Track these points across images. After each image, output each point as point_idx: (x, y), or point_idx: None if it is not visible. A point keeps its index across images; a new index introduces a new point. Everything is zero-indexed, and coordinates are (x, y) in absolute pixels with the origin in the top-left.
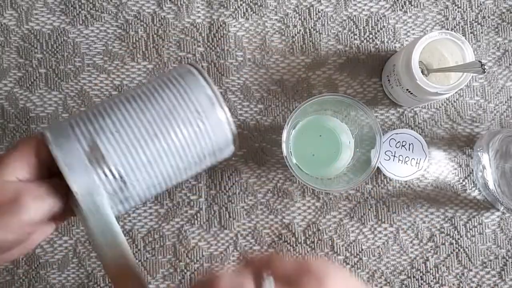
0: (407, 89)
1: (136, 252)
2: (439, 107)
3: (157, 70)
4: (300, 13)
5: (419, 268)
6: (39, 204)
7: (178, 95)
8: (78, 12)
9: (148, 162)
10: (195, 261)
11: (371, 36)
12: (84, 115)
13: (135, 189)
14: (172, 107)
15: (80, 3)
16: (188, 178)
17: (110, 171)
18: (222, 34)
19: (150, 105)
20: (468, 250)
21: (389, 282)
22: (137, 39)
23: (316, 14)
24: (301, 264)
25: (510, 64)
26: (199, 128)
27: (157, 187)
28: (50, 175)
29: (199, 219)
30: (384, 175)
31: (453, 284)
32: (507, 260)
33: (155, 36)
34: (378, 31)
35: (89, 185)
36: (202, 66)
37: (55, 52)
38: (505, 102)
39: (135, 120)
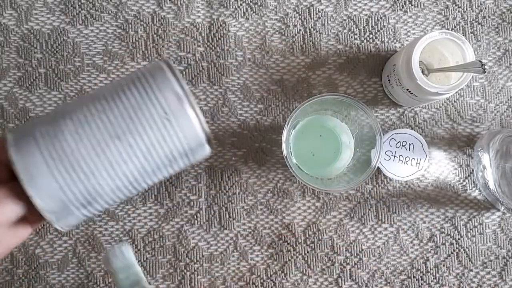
0: (407, 89)
1: (136, 252)
2: (440, 107)
3: None
4: (300, 13)
5: (419, 268)
6: (1, 208)
7: (143, 92)
8: (77, 12)
9: (109, 165)
10: (195, 261)
11: (371, 36)
12: (46, 116)
13: (98, 192)
14: (136, 106)
15: (79, 3)
16: (163, 179)
17: (69, 174)
18: (222, 34)
19: (114, 104)
20: (469, 250)
21: (389, 282)
22: (137, 39)
23: (316, 14)
24: None
25: (510, 64)
26: (165, 128)
27: (123, 190)
28: (14, 177)
29: (199, 219)
30: (384, 175)
31: (454, 284)
32: (507, 260)
33: (155, 36)
34: (378, 31)
35: (48, 189)
36: (202, 66)
37: (55, 52)
38: (506, 102)
39: (96, 120)
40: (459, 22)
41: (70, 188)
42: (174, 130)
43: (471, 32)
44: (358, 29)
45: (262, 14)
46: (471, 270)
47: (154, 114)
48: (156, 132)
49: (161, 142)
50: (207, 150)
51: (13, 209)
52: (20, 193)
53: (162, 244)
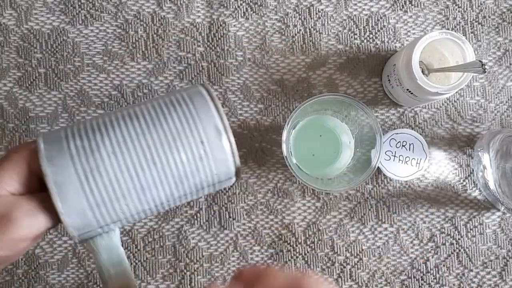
0: (407, 89)
1: (136, 252)
2: (440, 107)
3: (157, 70)
4: (300, 12)
5: (419, 268)
6: (31, 220)
7: (184, 120)
8: (77, 11)
9: (141, 189)
10: (195, 261)
11: (371, 35)
12: (82, 128)
13: (124, 214)
14: (176, 133)
15: (79, 3)
16: (182, 203)
17: (100, 194)
18: (222, 34)
19: (153, 127)
20: (469, 250)
21: (389, 283)
22: (136, 38)
23: (316, 13)
24: (294, 282)
25: (510, 64)
26: (201, 160)
27: (147, 212)
28: (43, 186)
29: (199, 219)
30: (384, 175)
31: (454, 285)
32: (507, 260)
33: (155, 36)
34: (379, 30)
35: (77, 207)
36: (202, 66)
37: (55, 52)
38: (506, 102)
39: (134, 143)
40: (459, 22)
41: (99, 208)
42: (209, 162)
43: (471, 32)
44: (358, 29)
45: (262, 14)
46: (471, 270)
47: (192, 144)
48: (191, 162)
49: (194, 172)
50: (232, 182)
51: (43, 221)
52: (50, 204)
53: (162, 244)
